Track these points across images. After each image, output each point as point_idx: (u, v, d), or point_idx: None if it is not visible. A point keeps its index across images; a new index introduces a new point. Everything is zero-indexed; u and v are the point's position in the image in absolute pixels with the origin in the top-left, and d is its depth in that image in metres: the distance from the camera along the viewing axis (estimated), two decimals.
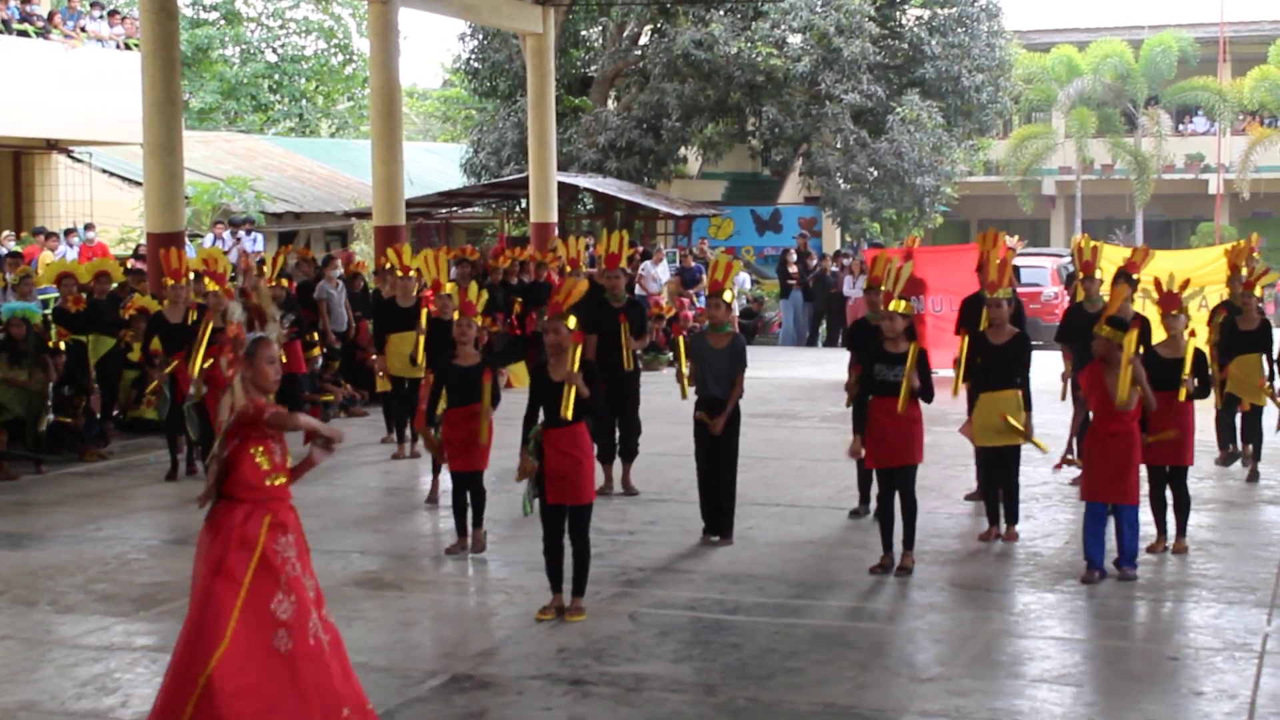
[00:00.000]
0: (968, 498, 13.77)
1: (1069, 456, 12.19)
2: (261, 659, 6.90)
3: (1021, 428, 11.84)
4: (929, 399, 11.13)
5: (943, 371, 14.20)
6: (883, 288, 11.61)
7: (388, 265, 17.47)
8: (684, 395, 12.37)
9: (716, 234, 37.27)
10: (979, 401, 12.03)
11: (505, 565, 11.61)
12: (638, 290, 27.23)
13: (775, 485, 14.63)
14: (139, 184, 25.41)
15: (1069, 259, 23.88)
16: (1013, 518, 12.26)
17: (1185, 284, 11.96)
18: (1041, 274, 30.38)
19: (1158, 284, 11.94)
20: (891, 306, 11.17)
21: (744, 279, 31.18)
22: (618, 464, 14.32)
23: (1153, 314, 12.78)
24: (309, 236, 35.59)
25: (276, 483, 7.21)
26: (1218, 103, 46.46)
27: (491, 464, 12.11)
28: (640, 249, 30.30)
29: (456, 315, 11.94)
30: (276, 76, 52.08)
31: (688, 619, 10.10)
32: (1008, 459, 12.10)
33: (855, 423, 11.56)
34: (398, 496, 14.68)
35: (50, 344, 16.33)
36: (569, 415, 9.77)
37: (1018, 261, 21.35)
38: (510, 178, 34.57)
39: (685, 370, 12.39)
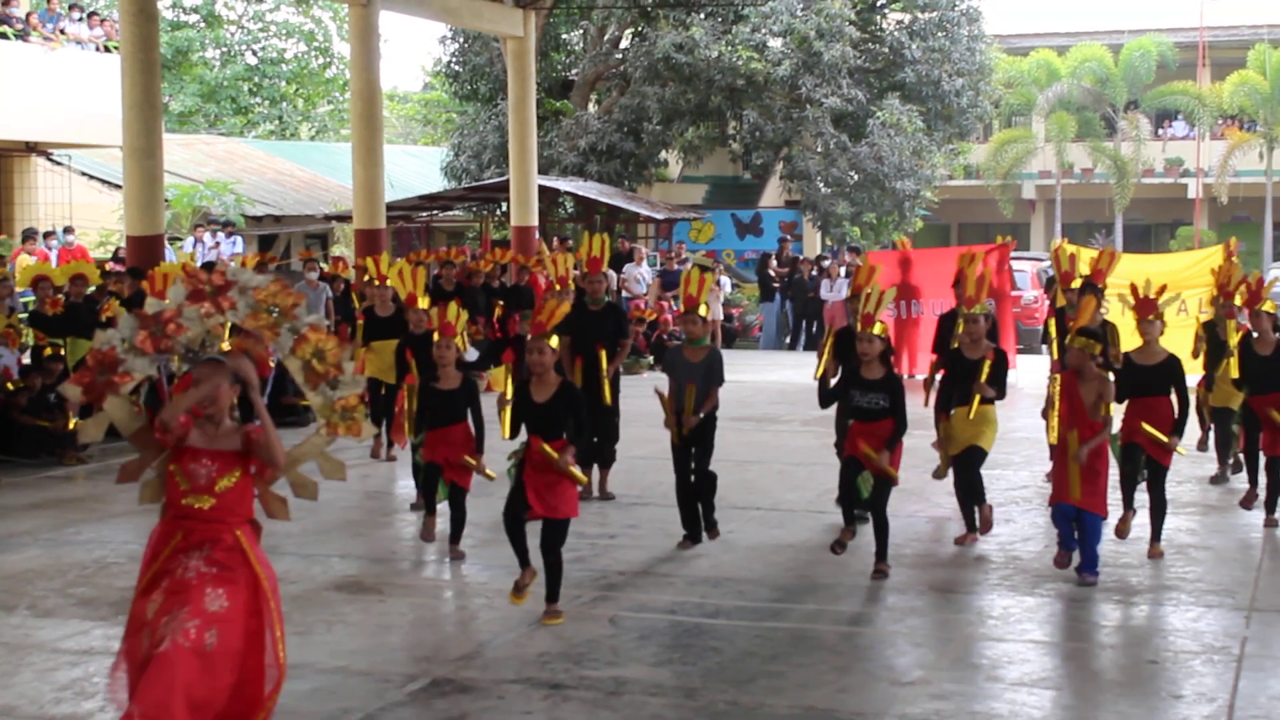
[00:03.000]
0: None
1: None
2: (135, 655, 6.90)
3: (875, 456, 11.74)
4: (901, 429, 11.09)
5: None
6: (862, 310, 11.45)
7: (365, 276, 17.45)
8: (675, 440, 12.23)
9: (697, 237, 37.30)
10: (955, 415, 11.99)
11: (485, 569, 11.59)
12: (622, 293, 27.27)
13: (756, 489, 14.63)
14: (118, 187, 25.40)
15: (1049, 263, 23.94)
16: (980, 509, 12.25)
17: (1162, 289, 11.96)
18: (1022, 278, 30.46)
19: (1134, 289, 11.96)
20: (869, 329, 11.09)
21: (725, 282, 31.19)
22: (596, 469, 14.31)
23: (1128, 320, 12.73)
24: (289, 240, 35.54)
25: (197, 504, 6.99)
26: (1197, 107, 46.60)
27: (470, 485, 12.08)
28: (627, 243, 30.40)
29: (436, 336, 11.90)
30: (257, 79, 52.01)
31: (668, 622, 10.09)
32: (971, 458, 12.06)
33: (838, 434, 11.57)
34: (377, 500, 14.66)
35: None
36: (506, 435, 9.90)
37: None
38: (491, 181, 34.57)
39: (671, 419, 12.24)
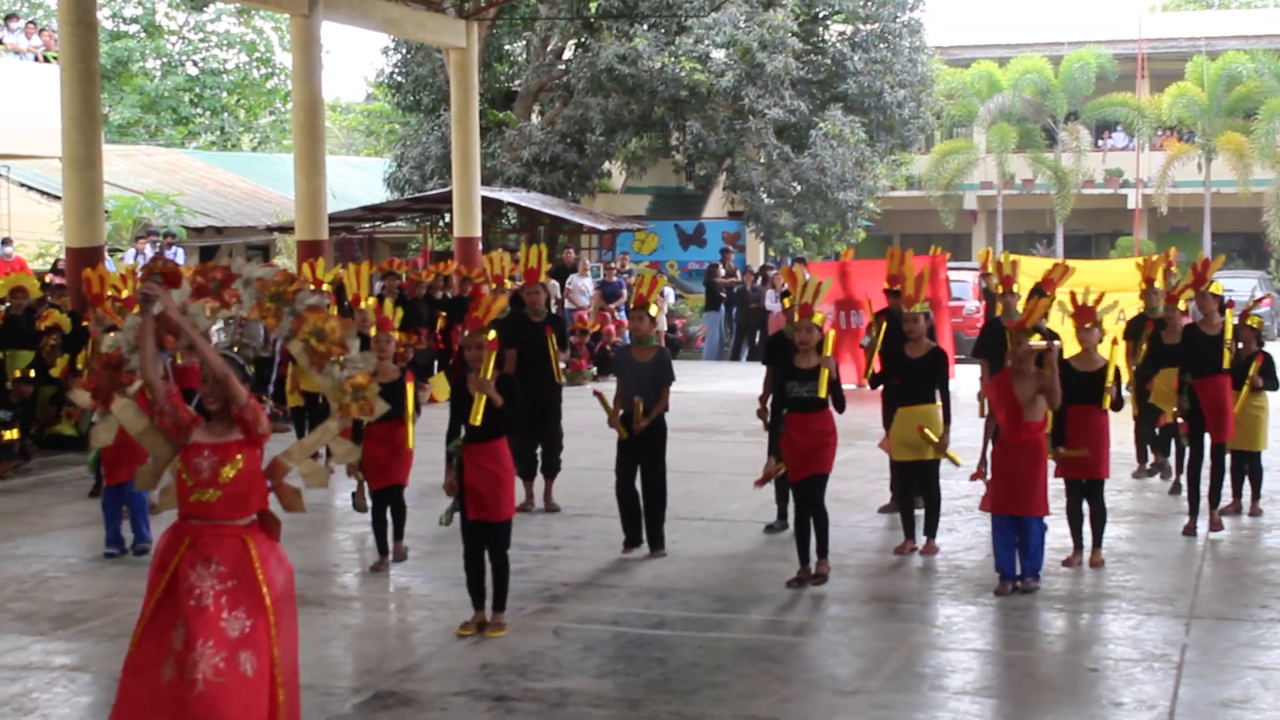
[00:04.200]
0: (882, 510, 13.85)
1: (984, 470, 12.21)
2: (153, 678, 6.77)
3: (937, 440, 11.95)
4: (840, 408, 11.18)
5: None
6: (799, 300, 11.50)
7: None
8: (635, 427, 12.20)
9: (640, 248, 37.31)
10: (897, 415, 12.12)
11: (428, 581, 11.56)
12: (566, 304, 27.25)
13: (699, 499, 14.64)
14: (58, 198, 25.16)
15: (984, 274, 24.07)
16: (932, 531, 12.34)
17: (1100, 298, 12.06)
18: (963, 288, 30.59)
19: (1073, 297, 12.04)
20: (811, 320, 11.17)
21: (669, 293, 31.23)
22: (540, 480, 14.29)
23: (1068, 328, 12.85)
24: (231, 251, 35.35)
25: (204, 499, 6.88)
26: (1136, 119, 46.95)
27: (412, 480, 12.08)
28: (573, 254, 30.41)
29: (374, 331, 11.88)
30: (198, 90, 51.76)
31: (612, 634, 10.09)
32: (927, 472, 12.20)
33: (770, 444, 11.63)
34: (318, 512, 14.55)
35: None
36: (478, 421, 9.74)
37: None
38: (434, 192, 34.46)
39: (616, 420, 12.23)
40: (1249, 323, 13.43)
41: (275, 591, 6.94)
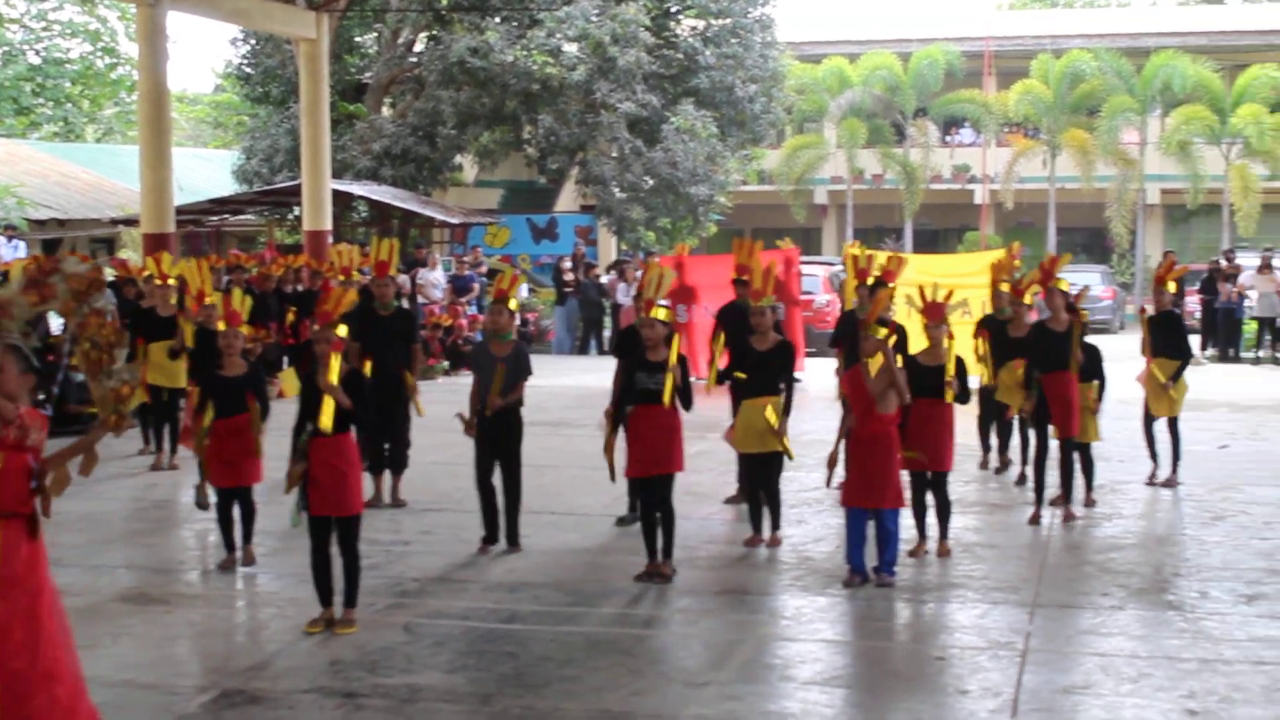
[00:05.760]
0: (728, 501, 13.93)
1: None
2: None
3: (775, 426, 12.00)
4: (688, 406, 11.24)
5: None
6: (644, 295, 11.55)
7: (145, 273, 17.12)
8: (487, 411, 12.16)
9: (493, 242, 37.16)
10: (742, 408, 12.17)
11: (276, 578, 11.44)
12: (418, 299, 27.08)
13: (551, 493, 14.62)
14: None
15: (841, 267, 24.31)
16: (776, 523, 12.43)
17: (949, 295, 12.19)
18: (813, 282, 30.85)
19: (921, 293, 12.18)
20: (651, 314, 11.22)
21: (524, 287, 31.16)
22: (388, 475, 14.19)
23: (915, 321, 13.01)
24: (74, 244, 34.69)
25: None
26: (983, 115, 47.58)
27: (262, 476, 11.93)
28: (424, 249, 30.21)
29: (222, 325, 11.68)
30: (40, 80, 50.65)
31: (463, 629, 10.04)
32: (770, 465, 12.26)
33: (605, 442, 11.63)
34: (163, 510, 14.39)
35: None
36: (327, 426, 9.67)
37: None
38: (283, 185, 34.09)
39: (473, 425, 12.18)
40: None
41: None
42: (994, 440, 15.76)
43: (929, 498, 11.98)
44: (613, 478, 11.69)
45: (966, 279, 20.58)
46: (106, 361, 7.41)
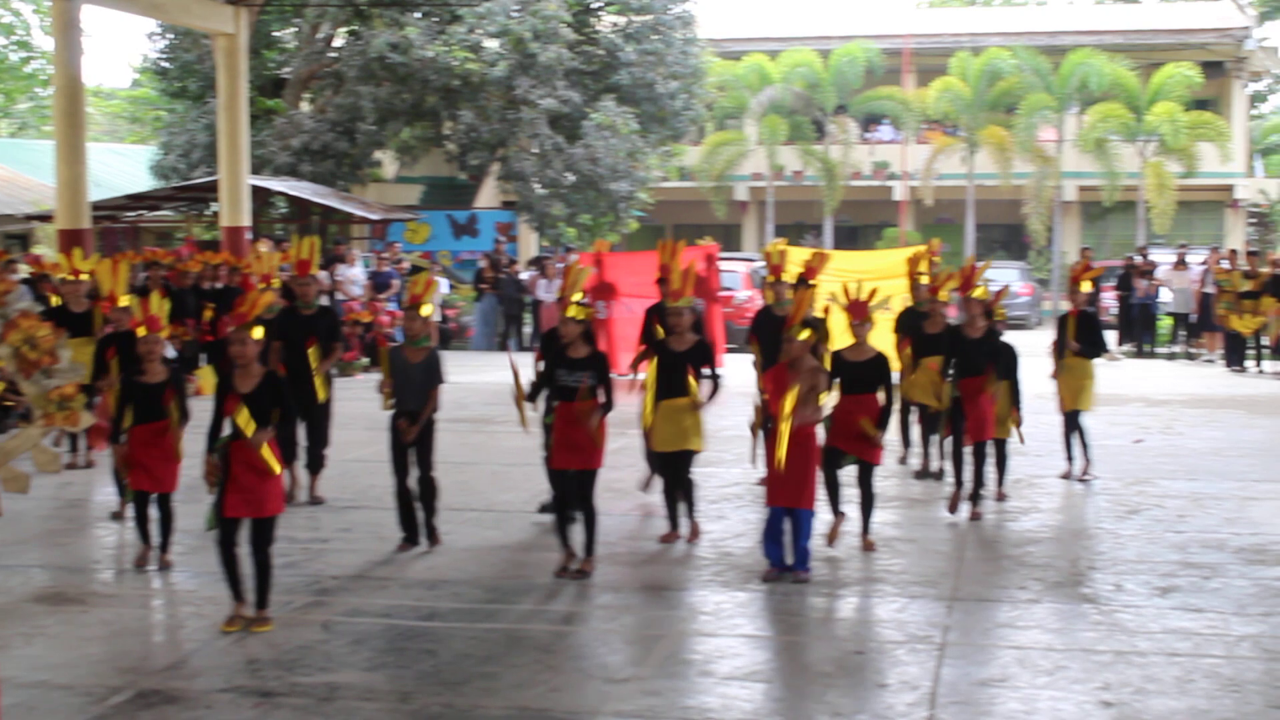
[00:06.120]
0: (642, 488, 13.98)
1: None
2: None
3: (698, 399, 12.03)
4: (608, 408, 11.22)
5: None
6: (565, 294, 11.56)
7: (59, 273, 16.94)
8: (385, 407, 12.15)
9: (413, 239, 37.00)
10: (660, 408, 12.15)
11: (193, 577, 11.35)
12: (337, 295, 26.93)
13: (471, 490, 14.59)
14: None
15: (762, 263, 24.36)
16: (691, 515, 12.44)
17: (873, 293, 12.24)
18: (734, 278, 30.90)
19: (845, 290, 12.23)
20: (570, 313, 11.21)
21: (442, 283, 31.05)
22: (306, 472, 14.10)
23: (838, 318, 13.06)
24: None
25: None
26: (902, 112, 47.81)
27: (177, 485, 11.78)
28: (344, 245, 30.02)
29: (142, 331, 11.46)
30: None
31: (382, 626, 9.99)
32: (683, 463, 12.28)
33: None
34: (78, 509, 14.24)
35: None
36: (249, 431, 9.63)
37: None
38: (201, 180, 33.81)
39: (386, 382, 12.15)
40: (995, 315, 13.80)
41: None
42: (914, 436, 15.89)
43: (852, 489, 12.05)
44: (524, 424, 11.75)
45: (886, 275, 20.69)
46: (47, 361, 7.34)
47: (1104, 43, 46.67)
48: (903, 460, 15.91)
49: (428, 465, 12.09)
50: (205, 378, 20.65)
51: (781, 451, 10.83)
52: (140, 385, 11.34)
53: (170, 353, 14.37)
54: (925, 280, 15.15)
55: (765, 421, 11.36)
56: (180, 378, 11.70)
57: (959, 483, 13.42)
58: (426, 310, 12.04)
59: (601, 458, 11.29)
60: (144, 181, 38.62)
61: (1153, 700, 8.42)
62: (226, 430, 9.84)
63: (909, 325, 15.05)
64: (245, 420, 9.65)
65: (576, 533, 11.36)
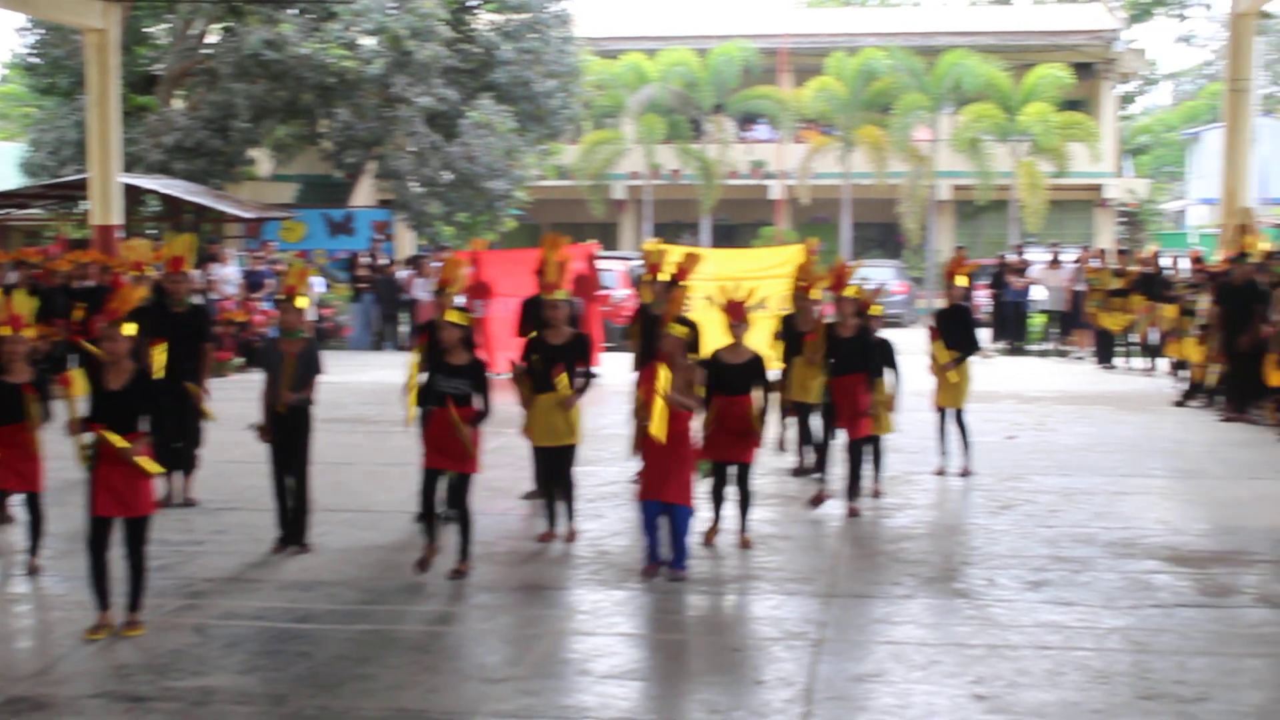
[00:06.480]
0: (525, 497, 13.94)
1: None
2: None
3: (569, 394, 12.04)
4: (484, 416, 11.12)
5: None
6: (443, 300, 11.50)
7: None
8: (279, 407, 11.96)
9: (288, 237, 36.67)
10: (536, 402, 12.15)
11: (63, 581, 11.16)
12: (211, 294, 26.65)
13: (347, 491, 14.49)
14: None
15: (640, 262, 24.38)
16: (570, 516, 12.45)
17: (750, 293, 12.29)
18: (612, 277, 30.93)
19: (722, 291, 12.27)
20: (447, 316, 11.14)
21: (318, 283, 30.81)
22: (179, 474, 13.93)
23: (715, 318, 13.10)
24: None
25: None
26: (779, 111, 48.13)
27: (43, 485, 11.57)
28: (217, 244, 29.71)
29: (7, 331, 11.23)
30: None
31: (256, 629, 9.89)
32: (563, 459, 12.28)
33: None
34: None
35: None
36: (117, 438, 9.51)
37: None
38: (71, 178, 33.30)
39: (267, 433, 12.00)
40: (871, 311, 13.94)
41: None
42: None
43: (729, 488, 12.10)
44: (408, 420, 11.81)
45: (763, 274, 20.79)
46: None
47: (978, 44, 47.25)
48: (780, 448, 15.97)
49: (303, 472, 11.97)
50: (76, 379, 20.29)
51: (658, 426, 10.83)
52: (1, 385, 11.11)
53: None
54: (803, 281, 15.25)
55: (641, 416, 11.36)
56: (43, 375, 11.47)
57: (823, 477, 13.56)
58: (301, 301, 11.93)
59: (477, 464, 11.20)
60: (12, 179, 38.04)
61: (1024, 693, 8.52)
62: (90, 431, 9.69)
63: (785, 326, 15.13)
64: (113, 435, 9.50)
65: (450, 534, 11.31)
